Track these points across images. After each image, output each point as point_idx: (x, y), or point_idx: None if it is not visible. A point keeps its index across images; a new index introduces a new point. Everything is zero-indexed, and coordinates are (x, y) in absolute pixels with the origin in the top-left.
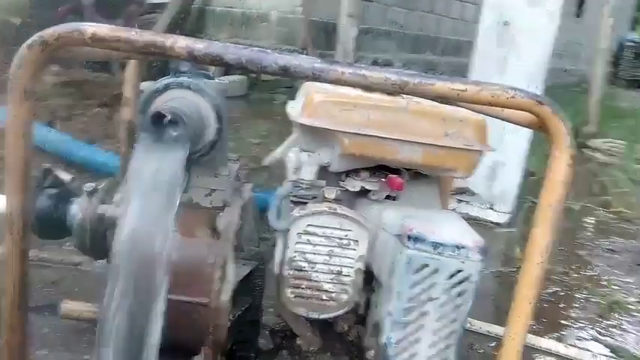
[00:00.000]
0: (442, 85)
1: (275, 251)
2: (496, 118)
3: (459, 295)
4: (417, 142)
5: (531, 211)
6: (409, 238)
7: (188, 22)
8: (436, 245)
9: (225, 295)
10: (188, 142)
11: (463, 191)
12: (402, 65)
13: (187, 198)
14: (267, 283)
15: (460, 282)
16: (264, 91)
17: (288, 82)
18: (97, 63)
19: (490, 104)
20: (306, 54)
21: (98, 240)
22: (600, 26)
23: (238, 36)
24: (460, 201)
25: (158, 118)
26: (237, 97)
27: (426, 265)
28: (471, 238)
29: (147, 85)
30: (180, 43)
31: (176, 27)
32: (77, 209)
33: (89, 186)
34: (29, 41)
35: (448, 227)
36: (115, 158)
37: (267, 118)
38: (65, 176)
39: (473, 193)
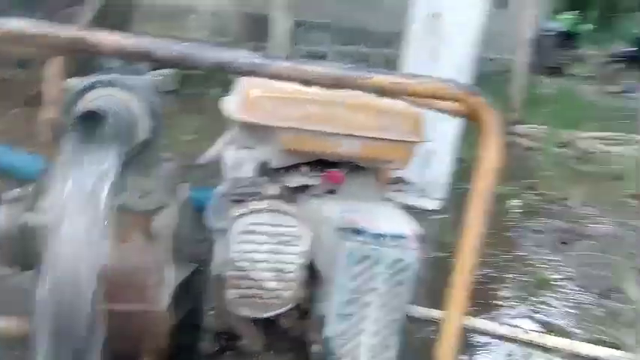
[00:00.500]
0: (380, 79)
1: (214, 252)
2: (430, 109)
3: (400, 283)
4: (356, 136)
5: (463, 197)
6: (349, 230)
7: (113, 15)
8: (376, 236)
9: (164, 301)
10: (118, 143)
11: (398, 181)
12: (335, 58)
13: (120, 201)
14: (208, 285)
15: (400, 271)
16: (197, 86)
17: (222, 75)
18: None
19: (426, 96)
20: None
21: (24, 251)
22: (523, 16)
23: (168, 29)
24: (395, 190)
25: (84, 118)
26: (167, 92)
27: (367, 257)
28: (409, 227)
29: (72, 83)
30: (108, 38)
31: (101, 20)
32: None
33: (11, 194)
34: None
35: (387, 218)
36: (38, 161)
37: (200, 114)
38: None
39: (407, 183)
